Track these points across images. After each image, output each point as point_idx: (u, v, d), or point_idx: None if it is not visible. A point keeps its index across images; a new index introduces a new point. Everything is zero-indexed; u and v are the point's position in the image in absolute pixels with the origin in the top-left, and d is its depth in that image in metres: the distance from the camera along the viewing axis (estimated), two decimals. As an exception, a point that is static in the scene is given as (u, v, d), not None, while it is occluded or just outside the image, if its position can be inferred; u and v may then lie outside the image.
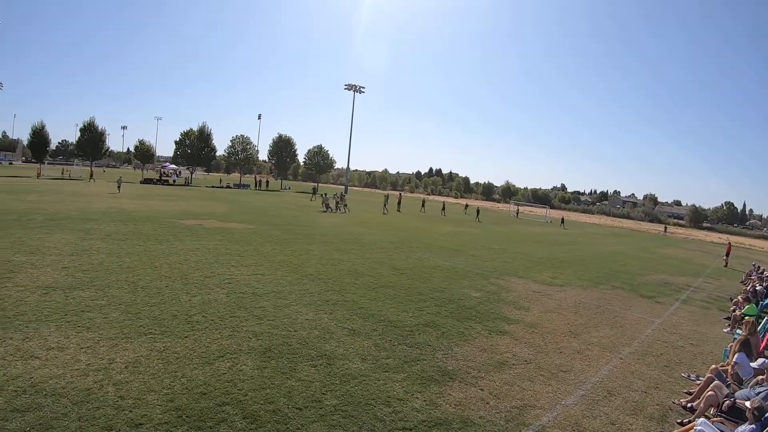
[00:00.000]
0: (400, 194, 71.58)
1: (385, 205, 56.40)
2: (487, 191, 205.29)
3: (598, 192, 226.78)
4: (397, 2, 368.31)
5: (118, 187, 52.61)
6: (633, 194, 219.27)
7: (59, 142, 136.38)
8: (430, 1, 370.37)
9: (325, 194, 51.80)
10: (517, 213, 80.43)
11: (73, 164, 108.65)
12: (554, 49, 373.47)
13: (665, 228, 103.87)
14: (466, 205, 69.77)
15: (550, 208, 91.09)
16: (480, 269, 20.52)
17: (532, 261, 24.79)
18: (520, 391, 8.83)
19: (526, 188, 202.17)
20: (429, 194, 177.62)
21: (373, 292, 14.89)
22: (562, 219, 71.87)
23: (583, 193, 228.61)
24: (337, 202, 48.60)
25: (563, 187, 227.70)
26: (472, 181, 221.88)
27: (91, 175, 70.31)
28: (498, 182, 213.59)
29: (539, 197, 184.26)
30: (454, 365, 9.46)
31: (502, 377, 9.27)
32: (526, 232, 46.75)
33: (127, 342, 9.33)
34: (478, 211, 61.60)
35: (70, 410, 6.72)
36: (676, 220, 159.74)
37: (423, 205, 65.21)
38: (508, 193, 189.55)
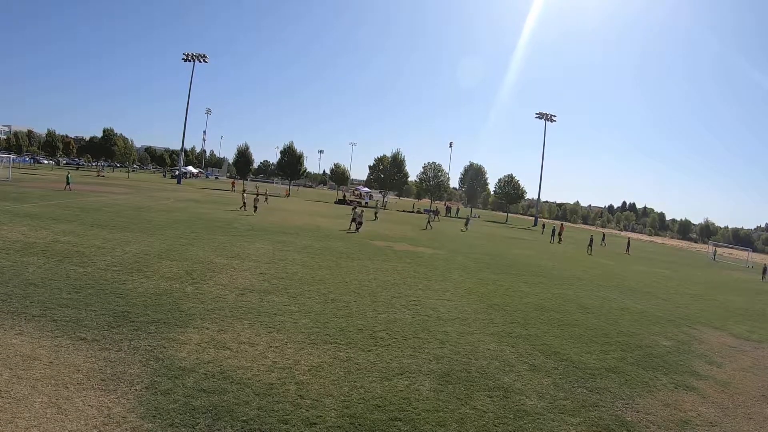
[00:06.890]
0: (562, 225, 69.92)
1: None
2: (684, 229, 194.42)
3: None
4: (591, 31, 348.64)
5: (255, 207, 42.46)
6: None
7: (261, 162, 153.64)
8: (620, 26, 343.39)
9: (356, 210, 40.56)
10: (715, 255, 71.42)
11: (273, 182, 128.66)
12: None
13: None
14: (603, 236, 62.38)
15: (753, 251, 78.73)
16: (672, 315, 18.97)
17: (728, 311, 22.23)
18: (697, 456, 7.92)
19: (726, 227, 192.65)
20: (621, 230, 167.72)
21: (558, 329, 14.58)
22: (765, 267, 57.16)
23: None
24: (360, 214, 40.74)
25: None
26: (668, 218, 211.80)
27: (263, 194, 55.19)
28: (696, 220, 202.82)
29: (740, 238, 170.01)
30: (633, 417, 8.95)
31: (680, 437, 8.61)
32: (725, 277, 42.12)
33: (313, 347, 10.22)
34: (628, 243, 56.43)
35: (251, 399, 7.58)
36: None
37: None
38: (707, 232, 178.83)
